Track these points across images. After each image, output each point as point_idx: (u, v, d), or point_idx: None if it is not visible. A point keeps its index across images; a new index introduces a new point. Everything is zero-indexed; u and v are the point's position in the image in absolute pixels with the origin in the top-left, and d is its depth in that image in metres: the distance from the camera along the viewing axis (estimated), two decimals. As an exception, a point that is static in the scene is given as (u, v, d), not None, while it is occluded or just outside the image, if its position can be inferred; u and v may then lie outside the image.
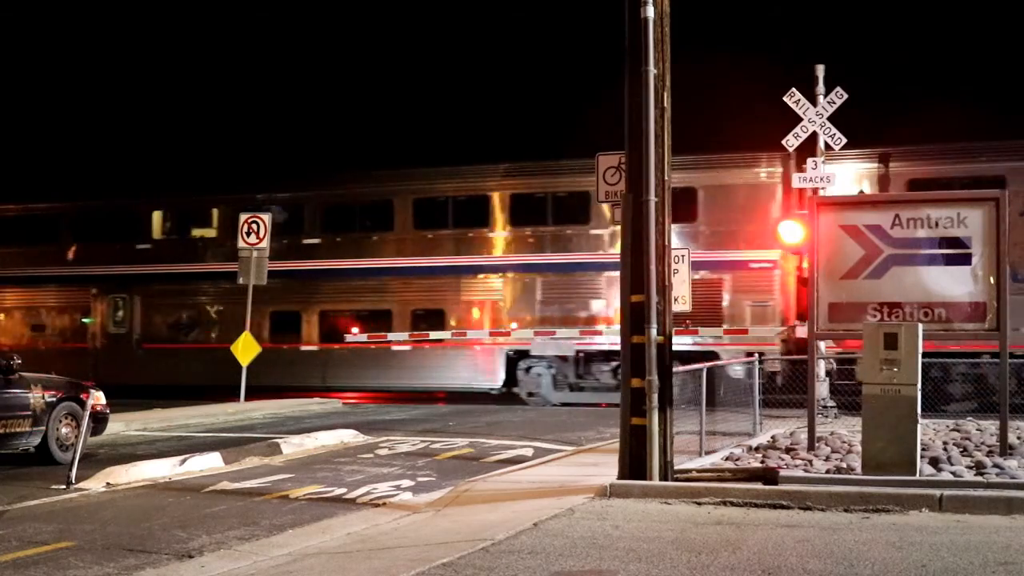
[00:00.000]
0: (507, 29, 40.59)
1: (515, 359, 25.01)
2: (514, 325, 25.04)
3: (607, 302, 23.96)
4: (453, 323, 25.61)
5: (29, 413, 14.58)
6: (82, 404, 14.64)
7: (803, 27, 35.74)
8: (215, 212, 28.74)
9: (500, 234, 25.59)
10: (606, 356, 23.90)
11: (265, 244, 24.33)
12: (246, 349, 23.91)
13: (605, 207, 22.90)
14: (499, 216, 25.58)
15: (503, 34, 40.46)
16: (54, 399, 14.96)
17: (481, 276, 25.54)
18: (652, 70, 11.20)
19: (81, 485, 12.72)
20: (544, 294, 24.95)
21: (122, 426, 18.84)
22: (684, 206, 22.22)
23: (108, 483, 12.91)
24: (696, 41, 23.03)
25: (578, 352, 24.36)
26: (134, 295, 28.67)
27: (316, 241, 27.21)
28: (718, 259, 23.19)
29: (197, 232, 29.06)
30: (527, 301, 25.08)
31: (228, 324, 26.46)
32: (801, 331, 20.11)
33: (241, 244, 24.40)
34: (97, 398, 15.41)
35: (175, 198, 29.11)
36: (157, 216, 29.16)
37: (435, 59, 41.80)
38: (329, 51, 42.90)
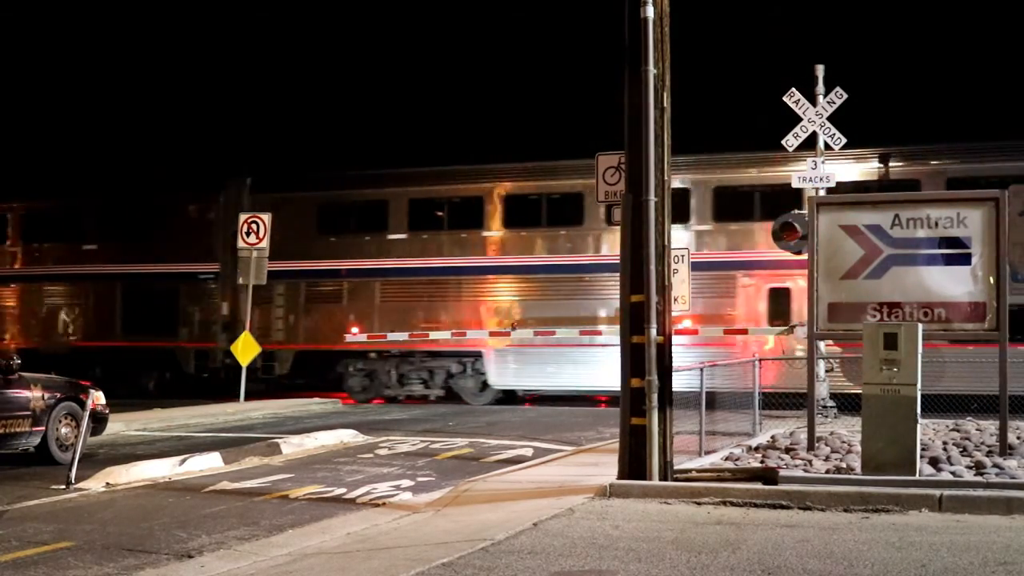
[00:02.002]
0: (507, 29, 40.62)
1: None
2: None
3: None
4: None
5: (29, 413, 14.58)
6: (82, 404, 14.63)
7: (803, 27, 35.74)
8: None
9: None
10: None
11: (265, 244, 24.26)
12: (246, 349, 23.91)
13: None
14: None
15: (503, 34, 40.49)
16: (54, 399, 14.96)
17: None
18: (652, 70, 11.20)
19: (81, 485, 12.72)
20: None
21: (122, 426, 18.84)
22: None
23: (108, 483, 12.91)
24: (696, 41, 23.07)
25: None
26: None
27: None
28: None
29: None
30: None
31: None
32: (802, 332, 20.09)
33: (240, 244, 24.35)
34: (96, 398, 15.40)
35: None
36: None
37: (435, 59, 41.83)
38: (329, 51, 42.92)
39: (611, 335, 22.25)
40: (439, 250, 25.60)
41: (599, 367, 23.01)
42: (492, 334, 24.76)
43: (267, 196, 26.89)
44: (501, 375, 24.79)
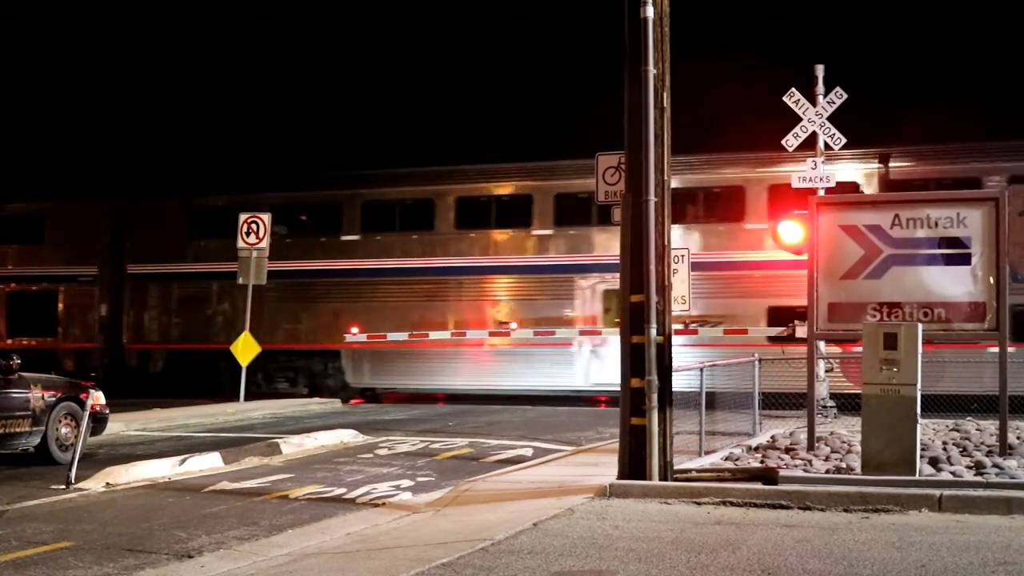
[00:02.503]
0: (507, 29, 40.62)
1: None
2: None
3: None
4: None
5: (29, 413, 14.58)
6: (82, 404, 14.63)
7: (803, 27, 35.73)
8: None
9: None
10: None
11: (265, 244, 24.29)
12: (246, 349, 23.90)
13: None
14: None
15: (502, 34, 40.48)
16: (54, 399, 14.96)
17: None
18: (652, 70, 11.21)
19: (81, 485, 12.72)
20: None
21: (122, 426, 18.84)
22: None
23: (108, 483, 12.91)
24: (696, 41, 23.05)
25: None
26: None
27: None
28: None
29: None
30: None
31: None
32: (801, 331, 20.09)
33: (240, 244, 24.37)
34: (96, 398, 15.40)
35: None
36: None
37: (434, 59, 41.81)
38: (328, 52, 42.90)
39: (476, 335, 24.67)
40: (304, 254, 26.96)
41: (461, 367, 24.77)
42: (348, 336, 26.09)
43: (146, 201, 28.84)
44: (357, 374, 26.06)
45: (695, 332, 22.86)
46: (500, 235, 25.75)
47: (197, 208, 28.28)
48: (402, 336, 25.58)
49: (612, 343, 22.75)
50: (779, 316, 22.70)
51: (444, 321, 25.66)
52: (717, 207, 24.55)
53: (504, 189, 26.09)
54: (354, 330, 25.98)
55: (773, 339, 22.57)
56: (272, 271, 24.86)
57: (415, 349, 25.59)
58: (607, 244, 23.37)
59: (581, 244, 25.05)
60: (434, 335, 25.50)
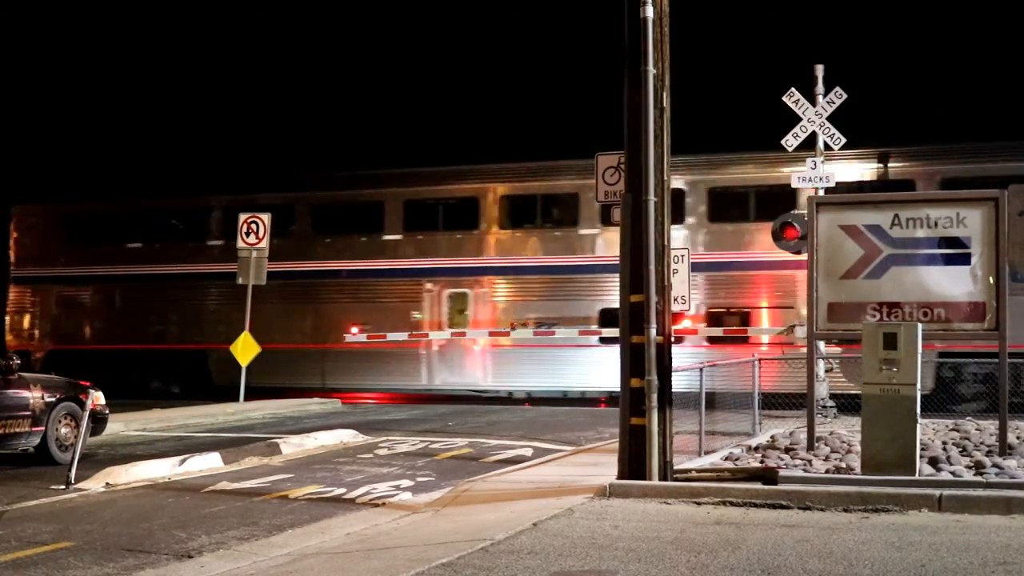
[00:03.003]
0: (507, 29, 40.62)
1: None
2: None
3: None
4: None
5: (28, 413, 14.58)
6: (81, 404, 14.63)
7: (803, 27, 35.73)
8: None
9: None
10: None
11: (264, 244, 24.25)
12: (246, 349, 23.89)
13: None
14: None
15: (502, 34, 40.48)
16: (53, 399, 14.96)
17: None
18: (651, 70, 11.21)
19: (80, 485, 12.72)
20: None
21: (121, 426, 18.84)
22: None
23: (107, 483, 12.91)
24: (696, 41, 23.10)
25: None
26: None
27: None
28: None
29: None
30: None
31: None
32: (801, 331, 20.11)
33: (240, 244, 24.34)
34: (96, 398, 15.39)
35: None
36: None
37: (434, 59, 41.82)
38: (329, 51, 42.90)
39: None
40: (169, 259, 28.02)
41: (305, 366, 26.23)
42: (211, 335, 26.96)
43: (27, 207, 29.83)
44: (220, 373, 26.58)
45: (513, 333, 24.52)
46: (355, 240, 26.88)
47: (74, 215, 29.39)
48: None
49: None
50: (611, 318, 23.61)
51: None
52: (553, 212, 25.84)
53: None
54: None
55: (604, 340, 23.47)
56: (130, 275, 27.34)
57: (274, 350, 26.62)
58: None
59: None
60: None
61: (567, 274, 24.61)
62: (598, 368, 22.96)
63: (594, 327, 24.18)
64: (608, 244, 23.13)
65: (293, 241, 26.64)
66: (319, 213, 27.19)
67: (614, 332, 22.39)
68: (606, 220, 22.68)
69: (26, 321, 29.25)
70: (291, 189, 27.35)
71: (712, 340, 23.43)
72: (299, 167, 32.24)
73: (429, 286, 25.62)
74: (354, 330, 25.77)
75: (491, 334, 25.02)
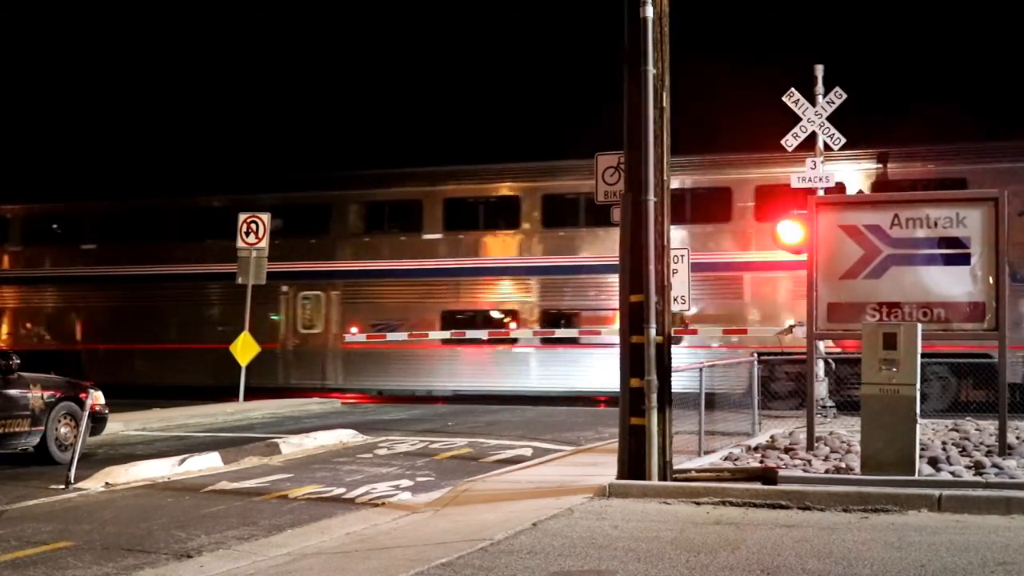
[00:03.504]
0: (507, 29, 40.62)
1: None
2: None
3: None
4: None
5: (28, 413, 14.58)
6: (81, 404, 14.63)
7: (803, 27, 35.73)
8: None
9: None
10: None
11: (264, 244, 24.25)
12: (245, 349, 23.90)
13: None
14: None
15: (502, 34, 40.49)
16: (53, 399, 14.96)
17: None
18: (651, 70, 11.21)
19: (80, 485, 12.72)
20: None
21: (121, 426, 18.84)
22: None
23: (107, 483, 12.91)
24: (696, 41, 23.07)
25: None
26: None
27: None
28: None
29: None
30: None
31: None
32: (800, 331, 20.09)
33: (240, 244, 24.33)
34: (96, 398, 15.40)
35: None
36: None
37: (433, 58, 41.82)
38: (329, 51, 42.89)
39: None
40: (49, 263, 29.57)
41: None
42: (84, 337, 28.77)
43: None
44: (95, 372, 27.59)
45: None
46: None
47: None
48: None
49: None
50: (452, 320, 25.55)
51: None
52: (400, 217, 27.16)
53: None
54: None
55: (445, 341, 25.21)
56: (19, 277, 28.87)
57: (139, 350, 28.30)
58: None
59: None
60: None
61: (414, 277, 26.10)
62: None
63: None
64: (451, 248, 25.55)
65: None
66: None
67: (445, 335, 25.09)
68: (450, 226, 25.63)
69: None
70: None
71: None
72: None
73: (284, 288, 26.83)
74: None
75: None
